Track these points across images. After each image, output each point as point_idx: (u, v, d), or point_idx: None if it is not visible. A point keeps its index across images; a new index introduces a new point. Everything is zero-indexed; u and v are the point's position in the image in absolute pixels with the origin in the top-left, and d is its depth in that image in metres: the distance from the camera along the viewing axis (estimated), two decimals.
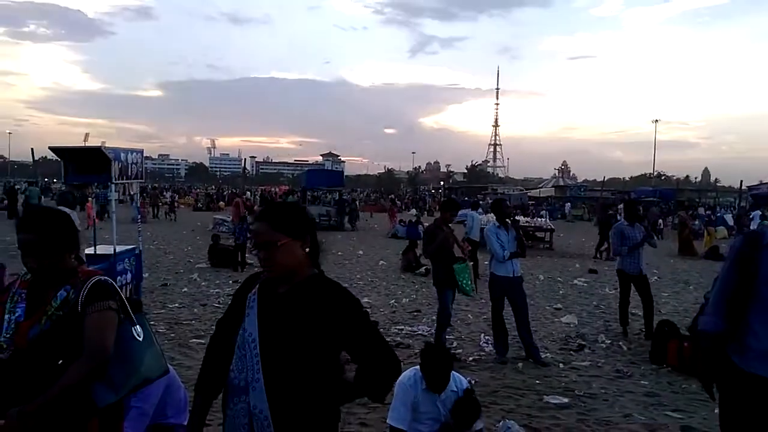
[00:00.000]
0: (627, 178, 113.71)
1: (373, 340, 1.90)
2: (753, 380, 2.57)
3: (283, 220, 1.92)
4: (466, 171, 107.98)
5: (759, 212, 23.22)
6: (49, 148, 7.25)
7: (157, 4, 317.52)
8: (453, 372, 3.56)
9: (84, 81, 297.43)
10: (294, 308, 1.86)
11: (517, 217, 8.44)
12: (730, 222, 25.47)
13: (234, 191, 42.25)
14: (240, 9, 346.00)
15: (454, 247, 6.59)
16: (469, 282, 6.40)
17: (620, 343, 7.12)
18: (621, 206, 26.69)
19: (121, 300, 2.24)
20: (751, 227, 19.37)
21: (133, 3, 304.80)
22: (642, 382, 5.68)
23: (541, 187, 58.52)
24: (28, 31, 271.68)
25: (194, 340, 6.75)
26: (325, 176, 31.39)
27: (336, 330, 1.84)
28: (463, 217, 16.68)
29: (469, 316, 8.49)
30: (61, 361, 2.06)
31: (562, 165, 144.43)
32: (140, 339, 2.25)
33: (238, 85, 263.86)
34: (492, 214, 8.03)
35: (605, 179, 53.25)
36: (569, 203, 40.84)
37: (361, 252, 16.38)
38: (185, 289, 10.15)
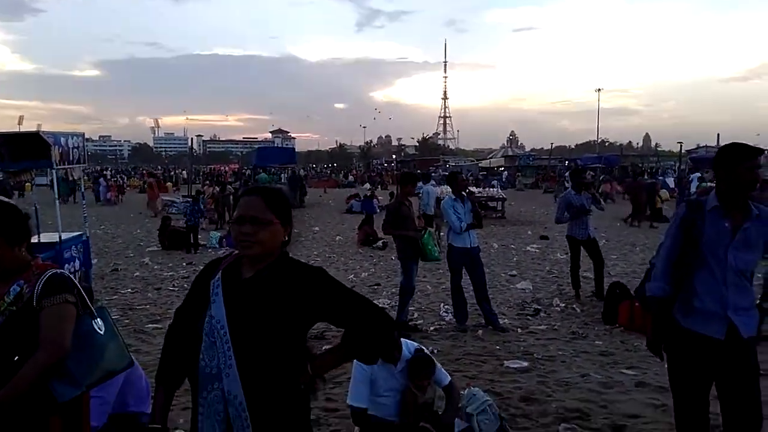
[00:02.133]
0: (573, 146, 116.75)
1: (353, 300, 1.87)
2: (697, 339, 2.73)
3: (278, 201, 1.88)
4: (417, 144, 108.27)
5: (698, 174, 24.30)
6: None
7: None
8: (404, 340, 3.62)
9: (14, 61, 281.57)
10: (261, 291, 1.82)
11: (471, 188, 8.54)
12: (672, 185, 26.50)
13: (146, 171, 40.64)
14: None
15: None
16: (435, 248, 6.46)
17: (574, 306, 7.38)
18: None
19: (80, 293, 2.16)
20: (691, 189, 20.29)
21: None
22: (596, 342, 5.91)
23: (491, 158, 59.37)
24: None
25: (150, 325, 6.60)
26: (276, 153, 30.92)
27: (309, 304, 1.81)
28: (418, 190, 16.84)
29: (428, 287, 8.60)
30: (17, 358, 1.97)
31: (511, 135, 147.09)
32: (101, 332, 2.18)
33: (181, 63, 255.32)
34: (447, 186, 8.09)
35: (553, 147, 54.50)
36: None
37: (317, 228, 16.30)
38: (137, 274, 9.89)
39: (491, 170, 43.61)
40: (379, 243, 12.37)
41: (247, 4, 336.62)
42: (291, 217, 1.94)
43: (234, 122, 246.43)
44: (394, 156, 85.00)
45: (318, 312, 1.84)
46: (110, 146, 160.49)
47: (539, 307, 7.28)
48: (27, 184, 29.90)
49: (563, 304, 7.43)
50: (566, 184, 26.04)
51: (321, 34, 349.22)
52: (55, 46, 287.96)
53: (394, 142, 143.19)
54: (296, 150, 42.89)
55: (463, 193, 6.61)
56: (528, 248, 12.29)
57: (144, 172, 40.75)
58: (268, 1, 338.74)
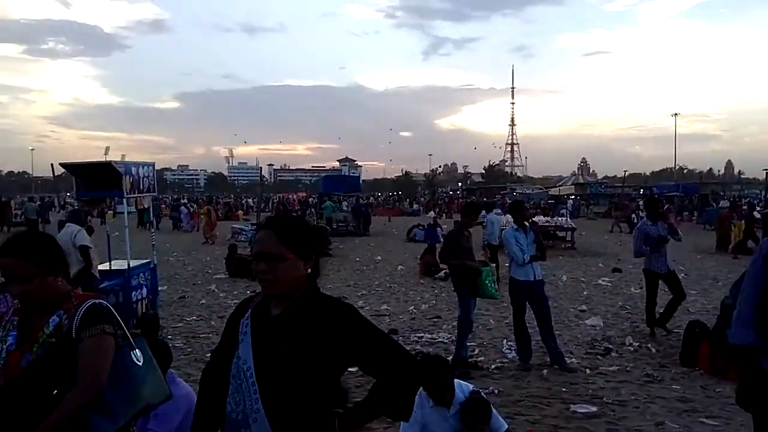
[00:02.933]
0: (648, 173, 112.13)
1: (384, 346, 1.74)
2: None
3: (293, 233, 1.77)
4: (483, 171, 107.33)
5: None
6: (60, 164, 7.23)
7: (170, 16, 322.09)
8: (459, 381, 3.42)
9: (103, 95, 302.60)
10: (289, 331, 1.71)
11: (535, 218, 8.24)
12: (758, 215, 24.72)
13: (204, 198, 42.09)
14: (254, 19, 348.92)
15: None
16: (494, 285, 6.22)
17: (648, 345, 6.87)
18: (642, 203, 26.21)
19: (119, 324, 2.12)
20: None
21: (147, 16, 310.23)
22: (673, 386, 5.44)
23: (561, 185, 57.85)
24: (46, 48, 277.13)
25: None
26: (341, 182, 31.33)
27: (339, 346, 1.69)
28: (482, 219, 16.50)
29: (491, 321, 8.29)
30: (56, 391, 1.94)
31: (582, 162, 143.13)
32: (140, 364, 2.14)
33: (254, 94, 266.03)
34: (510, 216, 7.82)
35: (626, 174, 52.45)
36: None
37: (379, 257, 16.24)
38: (203, 301, 10.10)
39: (560, 198, 42.37)
40: (441, 273, 12.12)
41: (317, 36, 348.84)
42: (312, 248, 1.81)
43: (304, 151, 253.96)
44: (459, 184, 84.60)
45: (346, 354, 1.71)
46: (188, 175, 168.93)
47: (610, 346, 6.82)
48: (110, 212, 31.92)
49: (637, 343, 6.93)
50: (640, 214, 24.91)
51: (388, 63, 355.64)
52: (140, 80, 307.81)
53: (460, 170, 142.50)
54: (362, 178, 43.57)
55: (526, 223, 6.35)
56: (599, 281, 11.69)
57: (199, 200, 42.32)
58: (337, 33, 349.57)
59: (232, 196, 69.41)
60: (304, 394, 1.67)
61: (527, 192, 50.06)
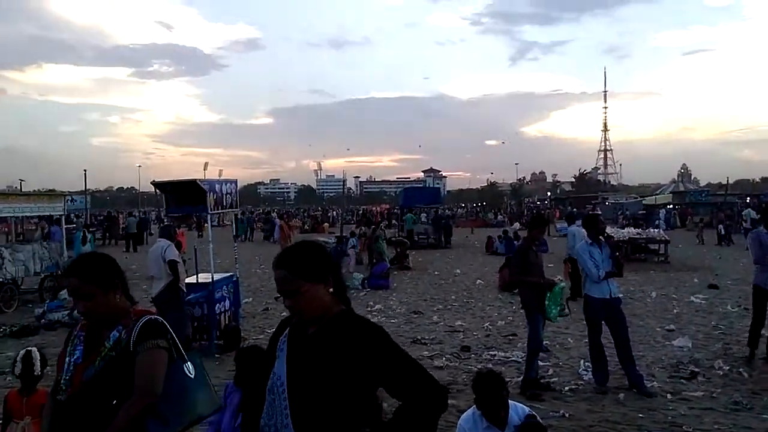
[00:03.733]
0: (757, 180, 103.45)
1: (409, 371, 1.79)
2: None
3: (301, 265, 1.87)
4: (574, 180, 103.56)
5: None
6: (151, 183, 7.79)
7: (263, 35, 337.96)
8: (514, 403, 3.35)
9: (202, 113, 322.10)
10: (321, 349, 1.80)
11: (625, 230, 7.85)
12: None
13: (281, 213, 43.12)
14: (341, 34, 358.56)
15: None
16: (557, 307, 5.98)
17: (741, 369, 6.35)
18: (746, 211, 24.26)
19: (173, 338, 2.28)
20: None
21: (243, 36, 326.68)
22: (764, 416, 5.01)
23: (659, 194, 54.69)
24: (152, 70, 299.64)
25: None
26: (422, 194, 31.39)
27: (366, 367, 1.75)
28: (564, 231, 15.94)
29: (570, 340, 7.99)
30: (115, 401, 2.10)
31: (682, 168, 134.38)
32: (192, 376, 2.29)
33: (341, 108, 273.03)
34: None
35: (728, 181, 48.64)
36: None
37: (458, 271, 16.10)
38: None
39: (656, 208, 40.04)
40: None
41: (401, 47, 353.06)
42: (326, 268, 1.89)
43: (389, 163, 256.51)
44: (548, 193, 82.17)
45: (373, 375, 1.77)
46: (279, 189, 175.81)
47: (697, 370, 6.38)
48: (205, 224, 33.84)
49: (727, 367, 6.43)
50: (743, 224, 23.08)
51: (473, 71, 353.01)
52: (235, 97, 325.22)
53: (549, 179, 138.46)
54: (447, 189, 43.30)
55: (601, 237, 6.11)
56: (692, 299, 10.94)
57: (282, 213, 43.67)
58: (421, 43, 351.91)
59: (319, 208, 71.26)
60: (332, 412, 1.73)
61: (621, 201, 47.75)
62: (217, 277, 7.93)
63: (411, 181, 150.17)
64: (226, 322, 8.05)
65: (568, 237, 12.44)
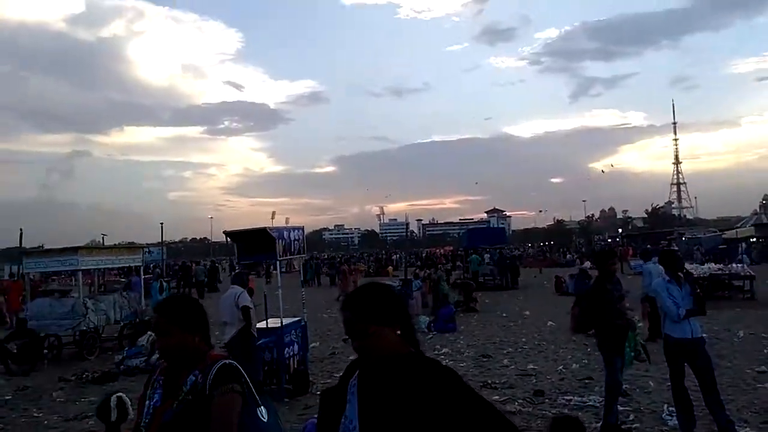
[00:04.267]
0: None
1: (486, 415, 1.73)
2: None
3: (367, 308, 1.87)
4: (646, 215, 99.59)
5: None
6: (224, 233, 8.12)
7: (326, 88, 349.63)
8: None
9: (269, 165, 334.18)
10: (393, 392, 1.77)
11: (705, 266, 7.45)
12: None
13: (343, 258, 43.15)
14: (401, 82, 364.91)
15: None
16: (632, 351, 5.67)
17: None
18: None
19: (247, 382, 2.31)
20: None
21: (307, 90, 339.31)
22: None
23: (739, 227, 51.62)
24: (222, 127, 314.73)
25: None
26: (486, 234, 31.03)
27: (441, 410, 1.71)
28: (639, 269, 15.20)
29: (650, 383, 7.54)
30: None
31: (764, 199, 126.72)
32: (265, 420, 2.30)
33: (403, 153, 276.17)
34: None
35: None
36: None
37: (527, 312, 15.66)
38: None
39: (738, 242, 37.72)
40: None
41: (461, 91, 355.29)
42: (392, 310, 1.87)
43: (451, 204, 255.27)
44: (619, 230, 79.20)
45: (447, 419, 1.72)
46: (343, 234, 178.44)
47: None
48: (273, 271, 34.69)
49: None
50: None
51: (534, 109, 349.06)
52: (300, 148, 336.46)
53: (619, 215, 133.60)
54: (512, 228, 42.75)
55: (680, 273, 5.80)
56: None
57: (343, 258, 44.10)
58: (481, 86, 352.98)
59: (383, 252, 71.64)
60: None
61: (698, 236, 45.32)
62: (285, 321, 8.08)
63: (474, 222, 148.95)
64: (295, 366, 8.13)
65: (643, 275, 11.87)
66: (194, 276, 28.47)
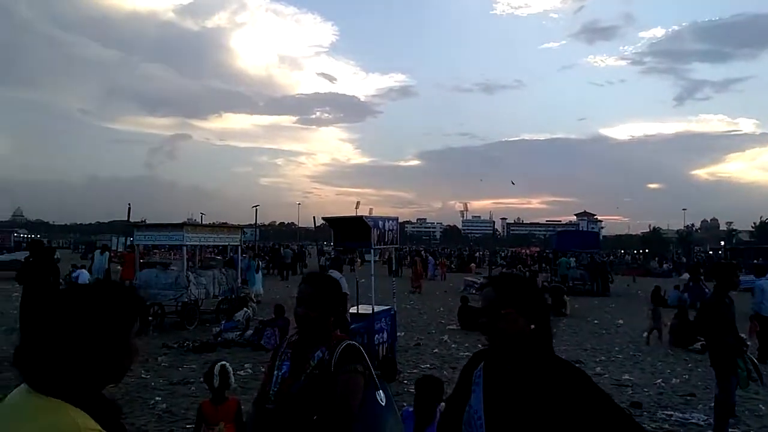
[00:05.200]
0: None
1: (617, 418, 1.70)
2: None
3: (510, 290, 1.87)
4: (753, 229, 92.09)
5: None
6: (323, 218, 8.34)
7: (417, 82, 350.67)
8: None
9: (356, 156, 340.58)
10: (522, 386, 1.75)
11: None
12: None
13: (430, 251, 42.61)
14: (491, 78, 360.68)
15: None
16: (744, 373, 5.25)
17: None
18: None
19: (368, 365, 2.38)
20: None
21: (397, 84, 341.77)
22: None
23: None
24: (314, 117, 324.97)
25: (443, 404, 6.83)
26: (578, 238, 29.89)
27: (571, 409, 1.68)
28: (749, 285, 14.09)
29: (761, 406, 7.01)
30: (315, 417, 2.24)
31: None
32: (383, 403, 2.36)
33: (490, 150, 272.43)
34: None
35: None
36: None
37: (620, 321, 14.95)
38: (436, 350, 10.44)
39: None
40: (697, 345, 10.67)
41: (555, 89, 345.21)
42: (534, 305, 1.85)
43: (538, 205, 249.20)
44: (722, 242, 73.86)
45: (576, 420, 1.68)
46: (425, 228, 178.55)
47: None
48: (358, 260, 35.35)
49: None
50: None
51: (634, 111, 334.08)
52: (387, 141, 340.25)
53: (722, 227, 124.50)
54: (603, 234, 40.92)
55: None
56: None
57: (428, 252, 44.06)
58: (577, 85, 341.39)
59: (466, 248, 70.96)
60: None
61: None
62: (376, 309, 8.18)
63: (562, 224, 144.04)
64: (384, 353, 8.23)
65: (755, 291, 10.98)
66: (283, 258, 29.62)
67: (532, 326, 1.84)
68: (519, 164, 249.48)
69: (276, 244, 43.57)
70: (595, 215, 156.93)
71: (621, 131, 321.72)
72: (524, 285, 1.93)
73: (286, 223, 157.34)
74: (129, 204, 31.79)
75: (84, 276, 19.25)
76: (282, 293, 19.81)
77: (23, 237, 62.04)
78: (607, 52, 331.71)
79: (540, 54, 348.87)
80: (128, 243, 27.11)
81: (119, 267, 19.09)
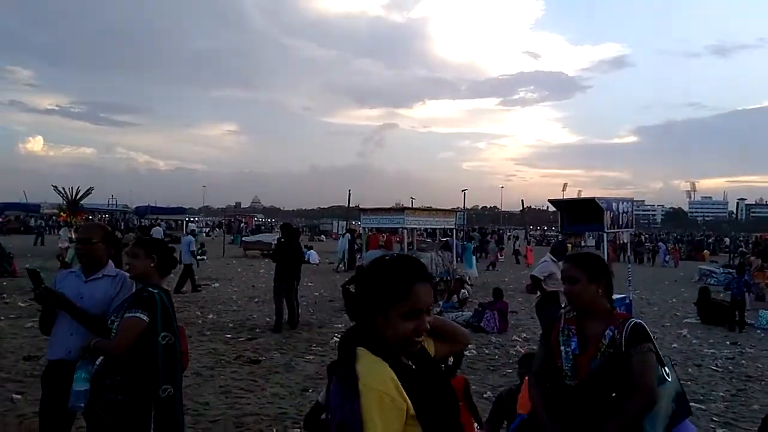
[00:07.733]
0: None
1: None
2: None
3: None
4: None
5: None
6: (549, 200, 8.05)
7: (632, 51, 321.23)
8: None
9: (563, 135, 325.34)
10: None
11: None
12: None
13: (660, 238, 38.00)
14: (725, 39, 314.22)
15: None
16: None
17: None
18: None
19: (654, 343, 2.38)
20: None
21: (609, 55, 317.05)
22: None
23: None
24: (517, 98, 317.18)
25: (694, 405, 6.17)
26: None
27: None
28: None
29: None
30: (614, 394, 2.29)
31: None
32: (669, 380, 2.37)
33: (723, 121, 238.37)
34: None
35: None
36: None
37: None
38: (674, 345, 9.50)
39: None
40: None
41: None
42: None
43: None
44: None
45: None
46: (643, 211, 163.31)
47: None
48: (573, 247, 33.98)
49: None
50: None
51: None
52: (598, 118, 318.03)
53: None
54: None
55: None
56: None
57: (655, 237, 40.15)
58: None
59: (700, 234, 63.30)
60: None
61: None
62: (614, 296, 7.69)
63: None
64: None
65: None
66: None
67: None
68: (762, 137, 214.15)
69: (485, 228, 43.71)
70: None
71: None
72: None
73: (488, 207, 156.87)
74: (349, 190, 34.67)
75: (314, 256, 21.56)
76: (491, 277, 19.79)
77: (261, 221, 71.50)
78: None
79: None
80: (347, 226, 29.59)
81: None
